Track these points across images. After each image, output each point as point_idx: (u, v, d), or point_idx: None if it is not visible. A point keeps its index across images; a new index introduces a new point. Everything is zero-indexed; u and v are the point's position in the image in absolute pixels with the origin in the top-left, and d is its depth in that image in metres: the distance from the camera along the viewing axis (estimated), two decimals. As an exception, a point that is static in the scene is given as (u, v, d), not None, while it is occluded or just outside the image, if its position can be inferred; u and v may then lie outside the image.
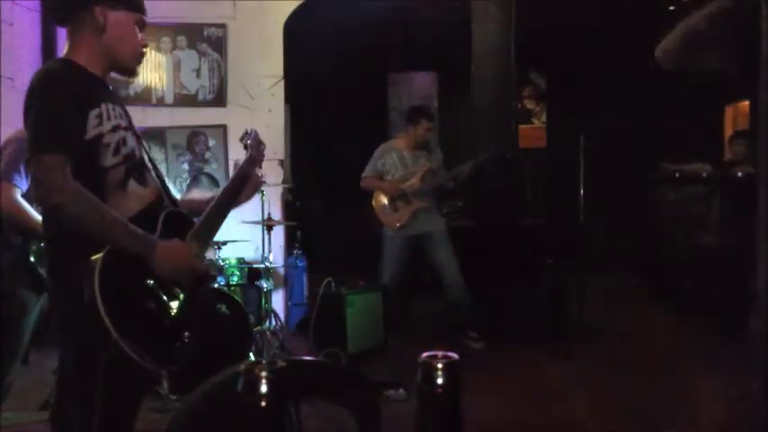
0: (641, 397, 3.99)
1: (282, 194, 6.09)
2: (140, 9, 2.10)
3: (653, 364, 4.60)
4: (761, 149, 2.95)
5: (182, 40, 5.83)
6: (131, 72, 2.14)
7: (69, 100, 1.90)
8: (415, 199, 5.22)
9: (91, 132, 1.92)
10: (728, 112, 8.53)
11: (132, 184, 2.02)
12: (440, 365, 0.76)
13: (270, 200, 5.13)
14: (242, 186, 2.34)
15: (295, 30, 6.02)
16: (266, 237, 4.93)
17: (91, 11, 2.00)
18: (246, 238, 5.21)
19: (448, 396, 0.75)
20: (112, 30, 2.02)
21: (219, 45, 5.85)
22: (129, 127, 2.07)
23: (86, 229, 1.86)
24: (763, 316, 2.35)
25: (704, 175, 5.91)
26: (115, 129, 1.98)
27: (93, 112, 1.93)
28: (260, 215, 4.94)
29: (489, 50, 5.72)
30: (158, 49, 5.78)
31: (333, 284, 5.05)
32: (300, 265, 6.05)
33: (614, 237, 7.16)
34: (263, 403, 0.82)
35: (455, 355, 0.78)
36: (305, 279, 6.07)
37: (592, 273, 5.46)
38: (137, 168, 2.05)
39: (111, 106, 1.99)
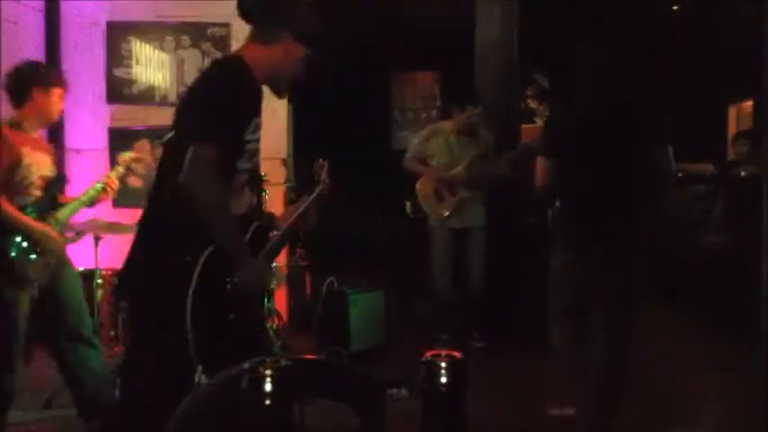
0: (642, 397, 3.99)
1: (285, 194, 6.09)
2: (312, 46, 2.27)
3: (654, 363, 4.59)
4: (765, 150, 2.96)
5: (185, 39, 5.84)
6: (281, 94, 2.30)
7: (244, 102, 2.08)
8: (461, 188, 5.05)
9: (247, 136, 2.10)
10: (732, 111, 8.52)
11: (246, 189, 2.21)
12: (443, 364, 0.76)
13: (272, 199, 5.13)
14: (308, 215, 2.49)
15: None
16: (269, 236, 4.93)
17: (282, 35, 2.16)
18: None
19: (452, 395, 0.76)
20: (289, 57, 2.19)
21: (223, 44, 5.85)
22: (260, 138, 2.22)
23: (208, 225, 1.99)
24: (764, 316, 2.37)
25: (707, 174, 5.91)
26: (258, 139, 2.16)
27: (255, 120, 2.11)
28: (263, 214, 4.95)
29: (492, 49, 5.72)
30: (162, 48, 5.79)
31: (335, 284, 5.05)
32: (303, 264, 6.05)
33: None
34: (268, 401, 0.82)
35: (459, 354, 0.79)
36: (307, 278, 6.07)
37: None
38: (253, 176, 2.25)
39: (259, 117, 2.15)
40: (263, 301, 2.39)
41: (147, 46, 5.79)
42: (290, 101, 6.13)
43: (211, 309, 2.04)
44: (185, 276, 1.95)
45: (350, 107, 8.15)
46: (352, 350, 4.73)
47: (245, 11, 2.18)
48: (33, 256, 3.04)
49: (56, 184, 3.25)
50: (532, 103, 8.35)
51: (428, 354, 0.79)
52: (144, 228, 2.16)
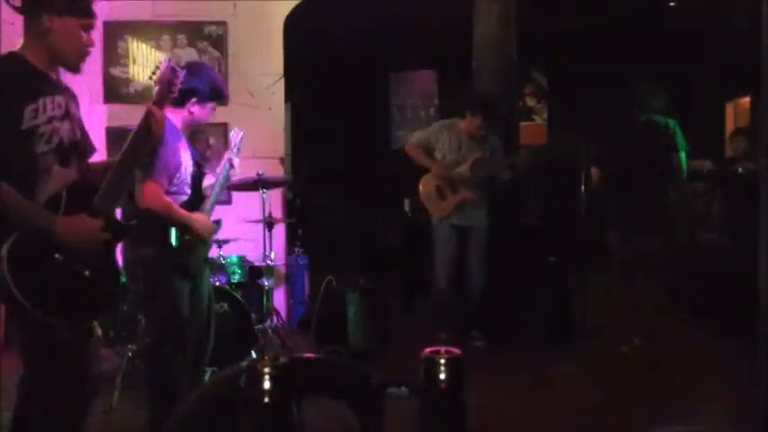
0: (643, 397, 3.99)
1: (283, 192, 6.08)
2: (87, 14, 2.32)
3: (654, 362, 4.59)
4: (762, 146, 2.96)
5: (182, 38, 5.83)
6: (74, 69, 2.36)
7: (6, 95, 2.12)
8: (463, 189, 5.01)
9: (26, 124, 2.13)
10: (729, 108, 8.52)
11: (56, 167, 2.22)
12: (442, 361, 0.76)
13: (271, 198, 5.13)
14: (142, 145, 2.54)
15: (296, 27, 6.01)
16: (267, 235, 4.92)
17: (39, 17, 2.23)
18: (248, 236, 5.21)
19: (450, 390, 0.75)
20: (59, 34, 2.25)
21: (220, 43, 5.85)
22: (67, 115, 2.27)
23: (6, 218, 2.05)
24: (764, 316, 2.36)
25: (705, 171, 5.90)
26: (50, 120, 2.19)
27: (30, 107, 2.14)
28: (261, 213, 4.94)
29: (491, 48, 5.70)
30: (158, 48, 5.78)
31: (334, 282, 5.04)
32: (301, 263, 6.05)
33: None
34: (266, 399, 0.82)
35: (457, 351, 0.78)
36: (306, 277, 6.07)
37: (593, 271, 5.45)
38: (64, 153, 2.25)
39: (50, 99, 2.20)
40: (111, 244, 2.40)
41: (144, 45, 5.78)
42: (288, 99, 6.12)
43: (54, 278, 2.12)
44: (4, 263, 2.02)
45: (349, 106, 8.16)
46: (351, 349, 4.73)
47: (8, 4, 2.29)
48: (195, 249, 3.04)
49: (199, 178, 3.20)
50: (531, 101, 8.36)
51: (426, 351, 0.79)
52: None
